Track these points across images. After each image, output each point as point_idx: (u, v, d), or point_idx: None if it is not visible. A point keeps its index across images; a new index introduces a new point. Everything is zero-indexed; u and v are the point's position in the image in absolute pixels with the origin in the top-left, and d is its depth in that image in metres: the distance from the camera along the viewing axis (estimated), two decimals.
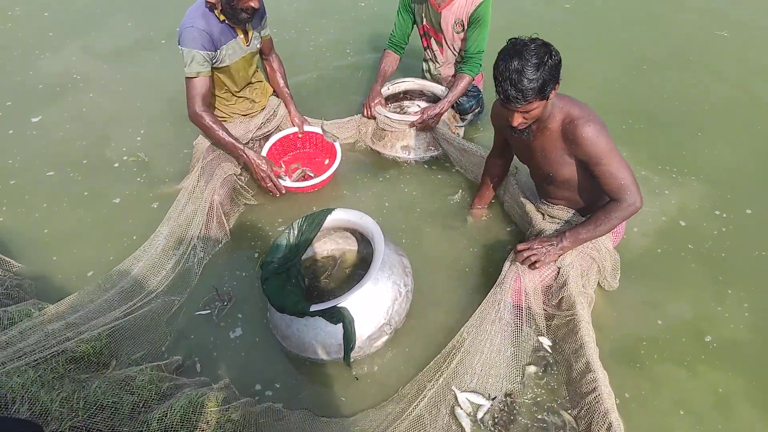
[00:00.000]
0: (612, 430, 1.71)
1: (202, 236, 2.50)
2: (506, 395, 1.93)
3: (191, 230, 2.48)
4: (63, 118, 3.50)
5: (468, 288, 2.36)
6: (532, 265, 2.01)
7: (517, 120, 1.84)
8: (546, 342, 2.07)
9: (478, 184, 2.70)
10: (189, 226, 2.49)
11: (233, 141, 2.57)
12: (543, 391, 1.97)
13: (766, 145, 3.09)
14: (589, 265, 2.08)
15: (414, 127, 2.94)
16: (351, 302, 1.92)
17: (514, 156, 2.36)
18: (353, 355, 1.97)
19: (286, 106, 2.96)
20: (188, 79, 2.45)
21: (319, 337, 1.97)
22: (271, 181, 2.62)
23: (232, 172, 2.68)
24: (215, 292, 2.34)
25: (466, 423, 1.85)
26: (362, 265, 2.41)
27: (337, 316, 1.91)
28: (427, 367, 1.99)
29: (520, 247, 2.04)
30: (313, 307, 1.91)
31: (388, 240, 2.20)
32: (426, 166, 3.01)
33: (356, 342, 1.94)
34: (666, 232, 2.57)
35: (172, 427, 1.66)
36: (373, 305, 1.98)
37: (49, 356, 1.85)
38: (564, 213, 2.20)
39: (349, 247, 2.49)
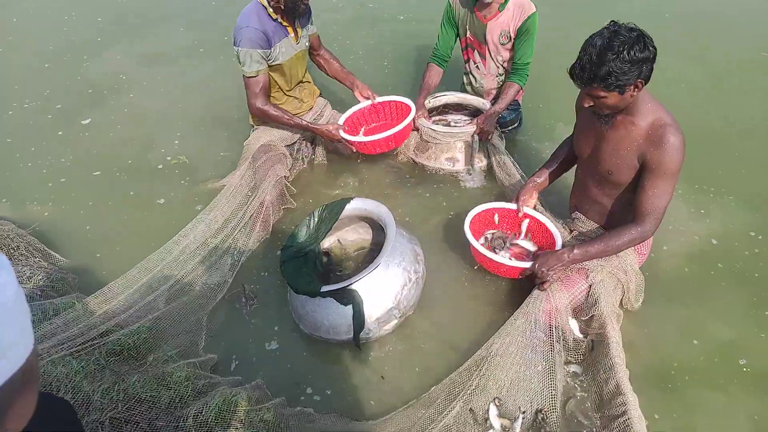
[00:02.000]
0: None
1: (246, 232, 2.58)
2: (537, 411, 1.92)
3: (231, 224, 2.57)
4: (110, 121, 3.66)
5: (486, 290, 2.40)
6: (541, 287, 2.05)
7: (586, 102, 1.84)
8: (576, 369, 2.06)
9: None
10: (231, 220, 2.58)
11: (300, 121, 2.76)
12: (576, 411, 1.96)
13: None
14: (615, 284, 2.09)
15: (472, 137, 2.95)
16: (361, 285, 2.04)
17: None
18: (363, 336, 2.09)
19: (351, 84, 3.05)
20: (248, 78, 2.59)
21: (331, 317, 2.08)
22: (343, 140, 2.78)
23: (284, 174, 2.79)
24: (242, 289, 2.40)
25: None
26: (378, 254, 2.47)
27: (347, 297, 2.03)
28: (457, 371, 2.00)
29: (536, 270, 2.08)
30: (325, 288, 2.04)
31: (402, 228, 2.32)
32: (467, 176, 3.04)
33: (365, 324, 2.05)
34: (697, 252, 2.53)
35: (206, 424, 1.71)
36: (382, 289, 2.09)
37: (90, 348, 1.93)
38: (590, 225, 2.23)
39: (367, 236, 2.58)
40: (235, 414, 1.77)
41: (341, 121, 2.92)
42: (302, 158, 3.10)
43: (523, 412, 1.90)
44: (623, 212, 2.08)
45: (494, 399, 1.89)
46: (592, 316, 2.02)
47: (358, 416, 1.97)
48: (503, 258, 2.20)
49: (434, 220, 2.79)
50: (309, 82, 2.98)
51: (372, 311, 2.06)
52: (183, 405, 1.81)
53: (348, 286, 2.03)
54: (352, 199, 2.40)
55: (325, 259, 2.45)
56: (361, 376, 2.11)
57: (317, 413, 1.94)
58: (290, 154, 2.97)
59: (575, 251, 2.02)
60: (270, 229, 2.69)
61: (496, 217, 2.46)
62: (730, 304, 2.30)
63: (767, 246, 2.55)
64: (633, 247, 2.08)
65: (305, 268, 2.23)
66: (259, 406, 1.83)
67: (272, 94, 2.80)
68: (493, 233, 2.50)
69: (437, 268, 2.49)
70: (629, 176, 1.97)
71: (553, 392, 1.93)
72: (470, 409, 1.87)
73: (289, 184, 2.87)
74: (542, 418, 1.90)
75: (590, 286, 2.06)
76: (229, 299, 2.40)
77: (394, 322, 2.14)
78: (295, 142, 2.99)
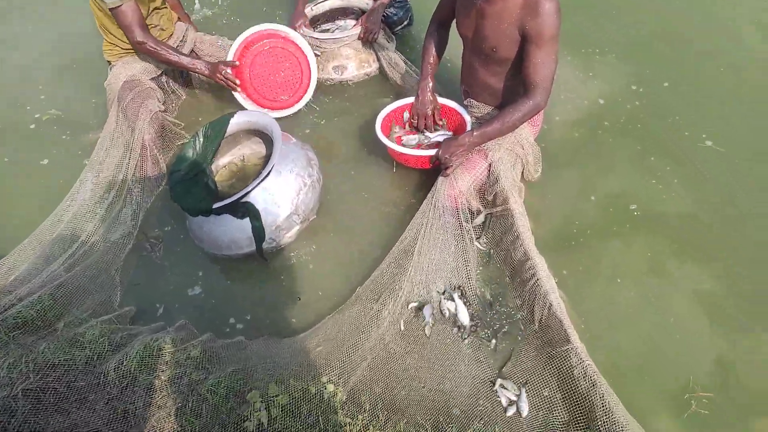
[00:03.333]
0: (552, 309, 1.81)
1: (138, 179, 2.43)
2: (455, 288, 2.01)
3: (122, 174, 2.40)
4: None
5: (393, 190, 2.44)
6: (444, 173, 2.10)
7: None
8: (485, 244, 2.15)
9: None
10: (119, 170, 2.41)
11: (181, 59, 2.53)
12: (492, 284, 2.06)
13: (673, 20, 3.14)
14: (514, 160, 2.16)
15: (356, 41, 2.84)
16: (254, 196, 2.03)
17: None
18: (267, 247, 2.11)
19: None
20: (114, 10, 2.33)
21: (229, 232, 2.07)
22: (229, 80, 2.59)
23: (158, 109, 2.58)
24: (145, 237, 2.33)
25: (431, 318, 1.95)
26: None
27: (241, 210, 2.02)
28: (378, 268, 2.05)
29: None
30: (217, 204, 2.01)
31: (291, 135, 2.27)
32: (359, 84, 2.94)
33: (265, 233, 2.06)
34: (586, 115, 2.63)
35: (130, 373, 1.68)
36: (277, 197, 2.07)
37: None
38: (484, 109, 2.25)
39: (262, 150, 2.51)
40: (159, 358, 1.74)
41: (231, 56, 2.68)
42: (177, 89, 2.88)
43: (443, 292, 1.99)
44: (513, 89, 2.11)
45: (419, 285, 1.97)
46: (496, 193, 2.09)
47: (288, 334, 1.99)
48: (407, 148, 2.25)
49: (333, 128, 2.73)
50: (165, 7, 2.69)
51: (270, 219, 2.06)
52: (103, 362, 1.76)
53: (240, 198, 2.00)
54: (235, 113, 2.29)
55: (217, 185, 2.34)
56: (279, 294, 2.13)
57: (248, 339, 1.95)
58: (161, 87, 2.74)
59: (474, 134, 2.04)
60: (164, 169, 2.54)
61: (406, 114, 2.44)
62: (619, 158, 2.45)
63: (646, 97, 2.68)
64: (527, 121, 2.12)
65: (196, 188, 2.16)
66: (184, 345, 1.81)
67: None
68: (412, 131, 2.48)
69: (340, 173, 2.50)
70: (513, 50, 1.97)
71: (468, 269, 2.03)
72: (407, 303, 1.94)
73: (172, 118, 2.68)
74: (461, 294, 2.00)
75: (490, 164, 2.11)
76: (138, 250, 2.30)
77: (296, 228, 2.15)
78: (161, 74, 2.74)
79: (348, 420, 1.66)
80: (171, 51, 2.51)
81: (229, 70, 2.57)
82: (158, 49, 2.47)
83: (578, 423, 1.64)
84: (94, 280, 2.12)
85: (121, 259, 2.23)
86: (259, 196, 2.04)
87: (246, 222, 2.03)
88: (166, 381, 1.68)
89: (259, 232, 2.05)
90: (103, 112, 2.78)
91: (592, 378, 1.63)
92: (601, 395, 1.59)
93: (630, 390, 1.73)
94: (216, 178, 2.35)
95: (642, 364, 1.84)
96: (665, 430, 1.71)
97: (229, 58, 2.65)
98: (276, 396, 1.63)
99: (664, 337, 1.90)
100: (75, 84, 3.12)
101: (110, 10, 2.34)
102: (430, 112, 2.29)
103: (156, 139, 2.52)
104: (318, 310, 2.05)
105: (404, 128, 2.47)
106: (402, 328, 1.90)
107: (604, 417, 1.56)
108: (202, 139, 2.27)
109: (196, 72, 2.60)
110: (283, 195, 2.08)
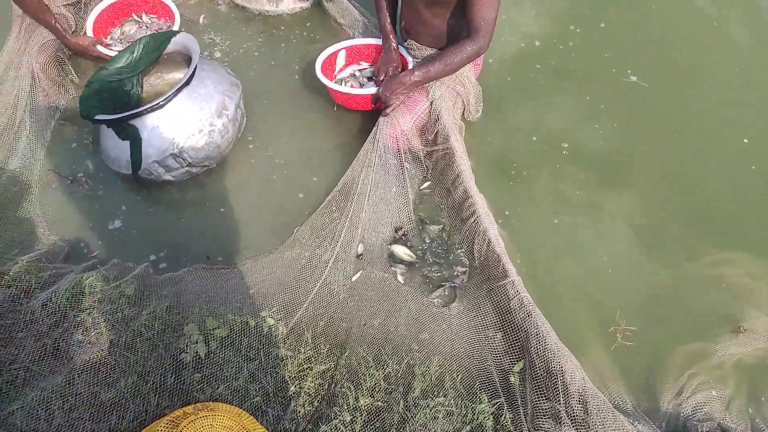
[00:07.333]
0: (491, 244, 1.86)
1: (30, 109, 2.25)
2: (396, 229, 2.03)
3: (12, 99, 2.23)
4: None
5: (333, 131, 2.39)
6: (385, 112, 2.09)
7: None
8: (427, 185, 2.17)
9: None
10: (17, 96, 2.23)
11: (50, 19, 2.26)
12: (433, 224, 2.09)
13: None
14: (455, 99, 2.16)
15: None
16: (140, 122, 1.96)
17: None
18: (146, 177, 2.07)
19: None
20: None
21: (116, 147, 2.02)
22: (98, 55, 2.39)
23: (52, 38, 2.36)
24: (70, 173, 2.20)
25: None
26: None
27: (123, 132, 1.96)
28: (318, 210, 2.04)
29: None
30: (99, 116, 1.94)
31: (225, 78, 2.16)
32: (295, 18, 2.79)
33: (143, 163, 2.00)
34: (521, 56, 2.64)
35: (59, 310, 1.62)
36: (166, 132, 1.99)
37: None
38: (425, 51, 2.22)
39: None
40: (90, 296, 1.68)
41: (90, 28, 2.45)
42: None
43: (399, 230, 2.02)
44: (456, 31, 2.09)
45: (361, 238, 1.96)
46: (437, 131, 2.09)
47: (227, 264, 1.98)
48: (348, 88, 2.21)
49: (267, 63, 2.62)
50: None
51: (149, 152, 1.98)
52: (30, 300, 1.68)
53: (122, 119, 1.92)
54: (179, 32, 2.18)
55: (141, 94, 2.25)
56: (207, 225, 2.11)
57: (184, 271, 1.90)
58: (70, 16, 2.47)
59: (416, 73, 2.01)
60: (59, 105, 2.35)
61: (342, 54, 2.38)
62: (553, 96, 2.49)
63: (581, 38, 2.71)
64: None
65: (107, 93, 2.07)
66: (117, 282, 1.75)
67: None
68: (358, 70, 2.41)
69: (275, 111, 2.42)
70: None
71: (409, 209, 2.04)
72: (357, 252, 1.95)
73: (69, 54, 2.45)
74: (403, 234, 2.02)
75: (431, 102, 2.10)
76: (61, 186, 2.17)
77: (181, 171, 2.07)
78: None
79: (289, 353, 1.67)
80: (38, 5, 2.23)
81: (102, 49, 2.38)
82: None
83: (514, 351, 1.72)
84: (6, 213, 2.01)
85: (32, 192, 2.11)
86: (147, 123, 1.96)
87: (127, 144, 1.97)
88: (98, 317, 1.63)
89: (135, 159, 1.98)
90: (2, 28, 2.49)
91: (528, 308, 1.70)
92: (535, 324, 1.66)
93: (564, 320, 1.83)
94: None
95: (576, 296, 1.95)
96: (595, 359, 1.82)
97: (89, 31, 2.44)
98: (215, 329, 1.62)
99: (598, 268, 2.01)
100: None
101: None
102: (392, 71, 2.20)
103: (49, 69, 2.33)
104: (253, 248, 2.03)
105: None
106: (353, 279, 1.91)
107: (538, 345, 1.64)
108: (141, 47, 2.16)
109: (64, 42, 2.36)
110: (170, 132, 1.99)
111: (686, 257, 2.04)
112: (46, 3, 2.27)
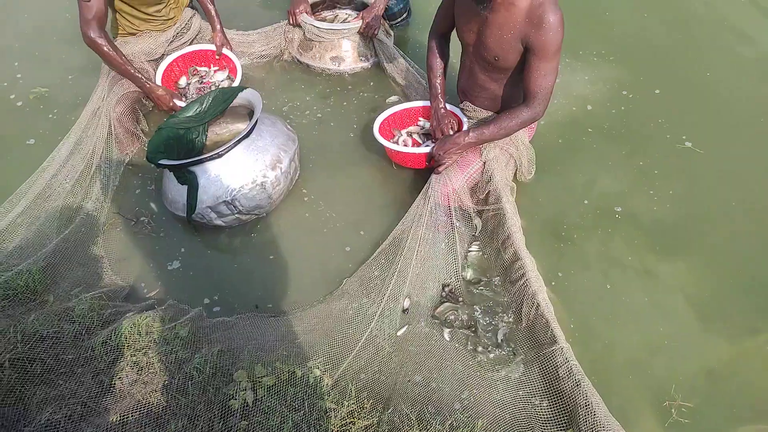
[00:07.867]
0: (540, 308, 1.83)
1: (106, 156, 2.42)
2: (443, 286, 2.03)
3: (91, 147, 2.38)
4: None
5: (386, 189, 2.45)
6: (437, 170, 2.13)
7: None
8: (477, 245, 2.17)
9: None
10: (90, 143, 2.39)
11: (133, 71, 2.42)
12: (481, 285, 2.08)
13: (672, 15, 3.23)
14: (507, 160, 2.20)
15: (357, 35, 2.85)
16: (202, 168, 2.08)
17: None
18: (199, 220, 2.18)
19: (211, 24, 2.75)
20: (81, 1, 2.26)
21: (173, 192, 2.16)
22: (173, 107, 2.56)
23: (131, 89, 2.54)
24: (136, 215, 2.33)
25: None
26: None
27: (182, 177, 2.08)
28: (368, 262, 2.08)
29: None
30: (164, 161, 2.06)
31: (282, 132, 2.29)
32: (356, 77, 2.94)
33: (197, 207, 2.11)
34: (573, 119, 2.67)
35: (117, 349, 1.69)
36: (219, 179, 2.10)
37: None
38: (481, 113, 2.27)
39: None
40: (147, 336, 1.75)
41: (159, 77, 2.63)
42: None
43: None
44: (512, 95, 2.13)
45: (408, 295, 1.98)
46: (489, 191, 2.11)
47: (277, 313, 2.01)
48: (401, 146, 2.28)
49: (327, 119, 2.74)
50: None
51: (204, 197, 2.10)
52: (91, 336, 1.76)
53: (183, 166, 2.05)
54: (246, 88, 2.32)
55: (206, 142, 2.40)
56: (263, 274, 2.16)
57: (236, 317, 1.96)
58: (152, 70, 2.67)
59: (470, 134, 2.06)
60: (129, 152, 2.53)
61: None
62: (606, 160, 2.50)
63: (634, 103, 2.74)
64: None
65: (174, 140, 2.21)
66: (173, 323, 1.82)
67: (125, 15, 2.51)
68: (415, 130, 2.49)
69: (332, 165, 2.52)
70: (515, 60, 1.98)
71: (456, 266, 2.05)
72: (404, 307, 1.96)
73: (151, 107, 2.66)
74: (449, 291, 2.02)
75: (484, 163, 2.14)
76: (124, 228, 2.29)
77: (231, 218, 2.18)
78: (160, 57, 2.69)
79: (333, 406, 1.67)
80: (122, 60, 2.39)
81: (179, 103, 2.55)
82: (111, 54, 2.36)
83: (561, 421, 1.66)
84: (76, 253, 2.12)
85: (99, 233, 2.23)
86: (205, 171, 2.08)
87: (185, 189, 2.09)
88: (153, 356, 1.69)
89: (191, 203, 2.09)
90: (89, 86, 2.70)
91: (577, 377, 1.65)
92: (585, 395, 1.61)
93: (615, 392, 1.77)
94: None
95: (629, 367, 1.88)
96: None
97: (158, 80, 2.63)
98: (262, 377, 1.64)
99: (653, 339, 1.94)
100: (60, 58, 3.06)
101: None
102: (445, 131, 2.25)
103: (124, 118, 2.49)
104: (301, 297, 2.08)
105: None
106: (399, 334, 1.91)
107: (587, 417, 1.58)
108: (210, 100, 2.31)
109: (145, 92, 2.53)
110: (229, 180, 2.09)
111: (746, 332, 1.95)
112: (130, 59, 2.46)
